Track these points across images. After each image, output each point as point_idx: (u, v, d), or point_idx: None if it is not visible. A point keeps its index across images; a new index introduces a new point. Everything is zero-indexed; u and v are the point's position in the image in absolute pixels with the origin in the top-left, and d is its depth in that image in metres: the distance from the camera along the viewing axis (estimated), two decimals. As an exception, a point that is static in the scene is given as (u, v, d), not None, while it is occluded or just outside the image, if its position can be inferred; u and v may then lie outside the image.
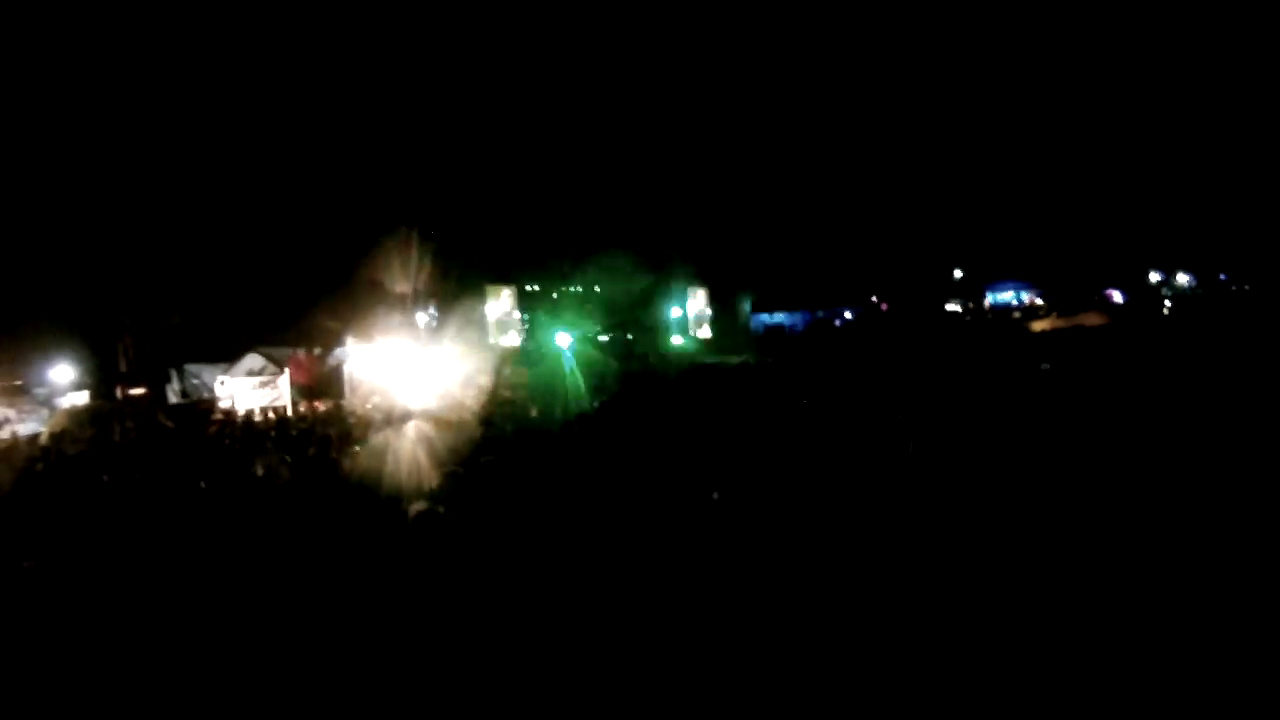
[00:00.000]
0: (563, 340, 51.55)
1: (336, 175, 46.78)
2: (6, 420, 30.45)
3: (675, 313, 64.25)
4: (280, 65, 49.31)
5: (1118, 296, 69.52)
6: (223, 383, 34.53)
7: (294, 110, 48.60)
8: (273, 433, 21.20)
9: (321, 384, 37.92)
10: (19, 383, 35.29)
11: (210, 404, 33.41)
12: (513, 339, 54.34)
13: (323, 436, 19.67)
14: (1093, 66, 72.65)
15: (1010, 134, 72.78)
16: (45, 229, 39.06)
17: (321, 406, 31.02)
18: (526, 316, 57.66)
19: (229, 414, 29.96)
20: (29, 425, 29.81)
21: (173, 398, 37.41)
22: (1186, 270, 72.71)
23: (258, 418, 28.32)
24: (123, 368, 39.41)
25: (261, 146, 46.12)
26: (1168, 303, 65.84)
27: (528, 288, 59.62)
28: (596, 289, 62.37)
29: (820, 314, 72.31)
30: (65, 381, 36.06)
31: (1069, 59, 75.17)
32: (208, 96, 46.00)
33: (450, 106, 56.24)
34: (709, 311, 67.14)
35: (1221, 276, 71.53)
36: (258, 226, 43.30)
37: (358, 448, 16.77)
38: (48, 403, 33.85)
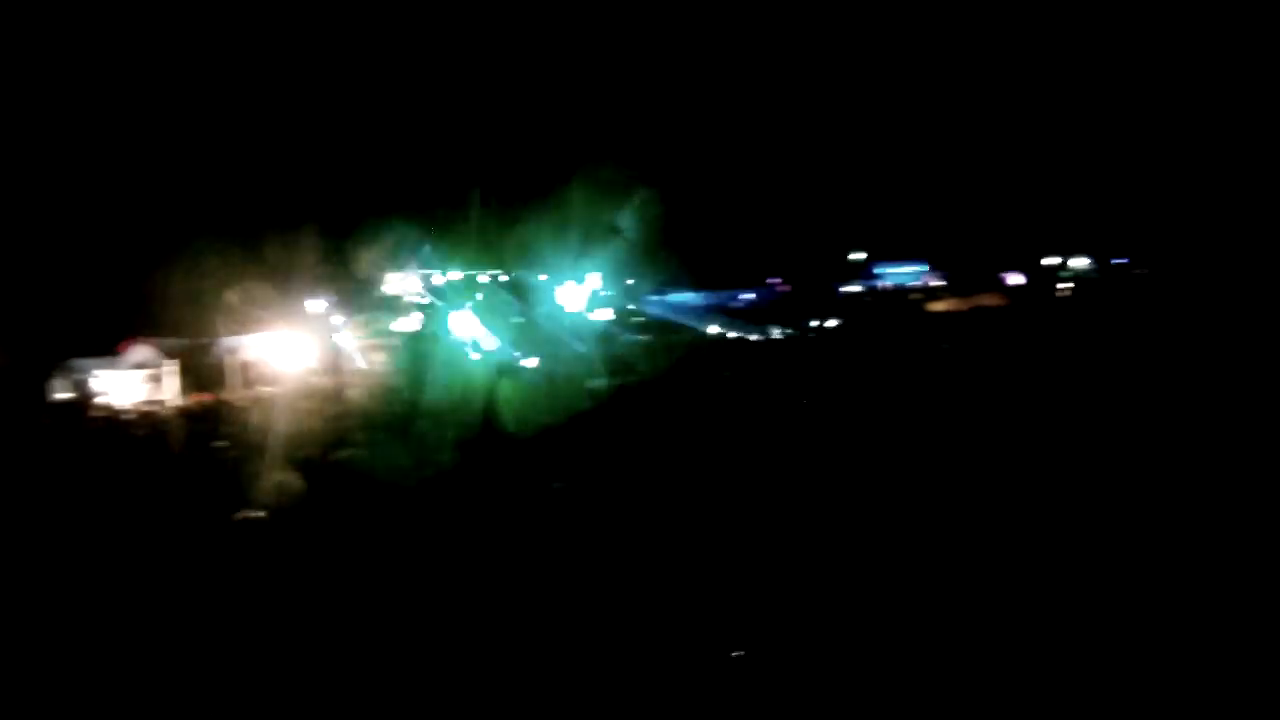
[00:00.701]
0: (462, 326, 50.98)
1: (224, 166, 45.47)
2: None
3: (573, 293, 63.93)
4: (145, 58, 47.69)
5: (1016, 278, 70.17)
6: (98, 376, 33.29)
7: (173, 101, 47.06)
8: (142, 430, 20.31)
9: (207, 374, 37.05)
10: None
11: (88, 399, 32.20)
12: (411, 323, 53.59)
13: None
14: (990, 47, 72.96)
15: (910, 116, 72.91)
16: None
17: (208, 398, 30.02)
18: (427, 299, 56.95)
19: (107, 409, 28.85)
20: None
21: (63, 393, 36.08)
22: (1084, 253, 73.43)
23: (138, 412, 27.22)
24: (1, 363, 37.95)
25: (140, 137, 44.66)
26: (1065, 285, 66.61)
27: (427, 271, 58.89)
28: (499, 267, 61.88)
29: (718, 294, 72.13)
30: None
31: (967, 40, 75.44)
32: (82, 87, 44.31)
33: (335, 95, 54.73)
34: (608, 292, 66.90)
35: (1119, 260, 72.33)
36: (144, 218, 41.95)
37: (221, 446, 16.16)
38: None
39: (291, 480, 8.10)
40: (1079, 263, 73.07)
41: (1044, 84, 70.95)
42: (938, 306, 62.71)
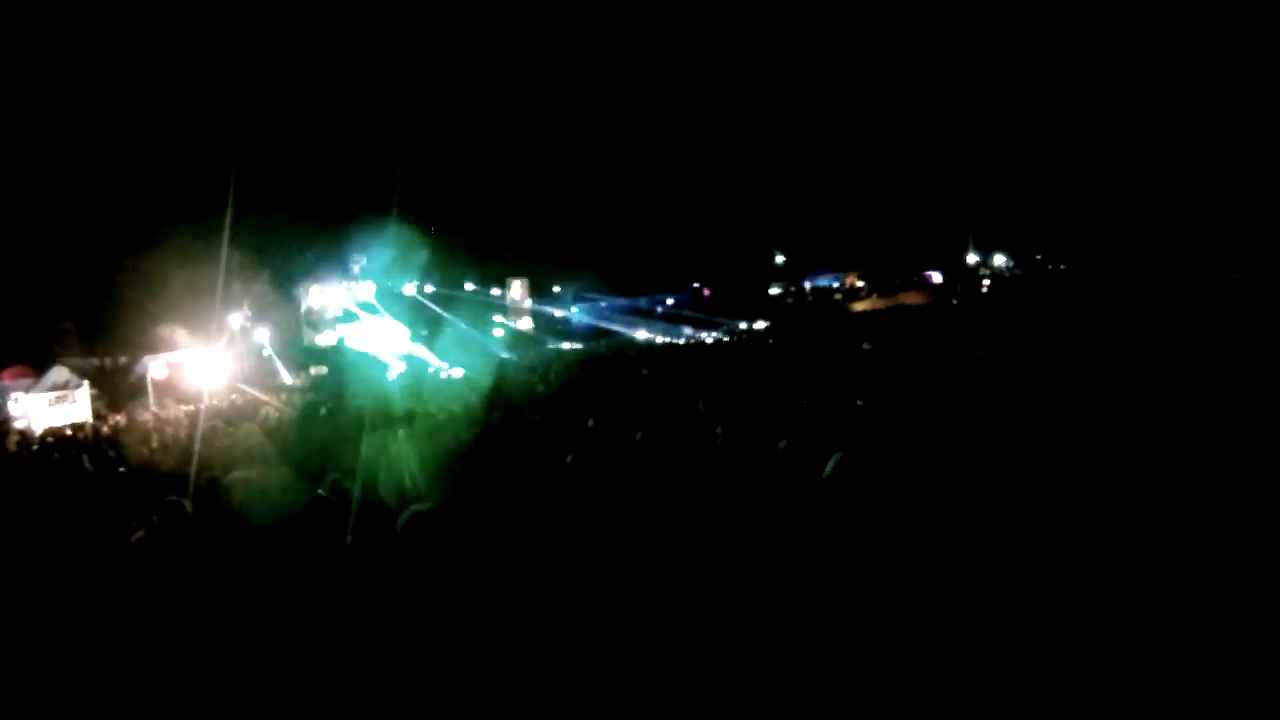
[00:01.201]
0: (387, 339, 50.67)
1: (143, 182, 44.94)
2: None
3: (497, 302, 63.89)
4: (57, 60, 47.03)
5: (937, 277, 70.94)
6: (16, 400, 32.75)
7: (90, 105, 46.44)
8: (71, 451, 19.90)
9: (125, 394, 36.66)
10: None
11: (5, 425, 31.62)
12: (328, 338, 53.22)
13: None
14: (902, 50, 73.63)
15: (829, 120, 73.46)
16: None
17: (123, 419, 29.57)
18: (343, 312, 56.53)
19: (23, 434, 28.32)
20: None
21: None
22: (1003, 251, 74.32)
23: (52, 435, 26.71)
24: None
25: (62, 150, 44.07)
26: (986, 282, 67.42)
27: (344, 283, 58.48)
28: (422, 278, 61.65)
29: (643, 300, 72.25)
30: None
31: (879, 44, 76.13)
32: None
33: (254, 98, 54.18)
34: (529, 301, 66.89)
35: (1038, 257, 73.28)
36: (61, 235, 41.34)
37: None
38: None
39: (187, 498, 7.95)
40: (998, 260, 73.97)
41: (963, 81, 71.72)
42: (861, 306, 63.21)
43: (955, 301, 54.78)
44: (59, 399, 33.12)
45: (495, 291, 64.60)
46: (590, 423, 11.83)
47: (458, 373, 37.99)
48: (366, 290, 59.07)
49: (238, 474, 9.29)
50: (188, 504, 7.48)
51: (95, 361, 39.58)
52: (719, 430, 9.66)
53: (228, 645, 5.01)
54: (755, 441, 8.13)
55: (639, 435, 9.35)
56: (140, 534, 7.31)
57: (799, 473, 6.50)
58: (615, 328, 65.21)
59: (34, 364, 37.30)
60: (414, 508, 5.58)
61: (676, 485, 6.81)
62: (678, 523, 5.94)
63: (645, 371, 23.28)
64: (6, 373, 36.52)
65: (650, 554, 5.53)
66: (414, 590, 4.96)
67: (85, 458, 17.21)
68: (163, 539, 6.91)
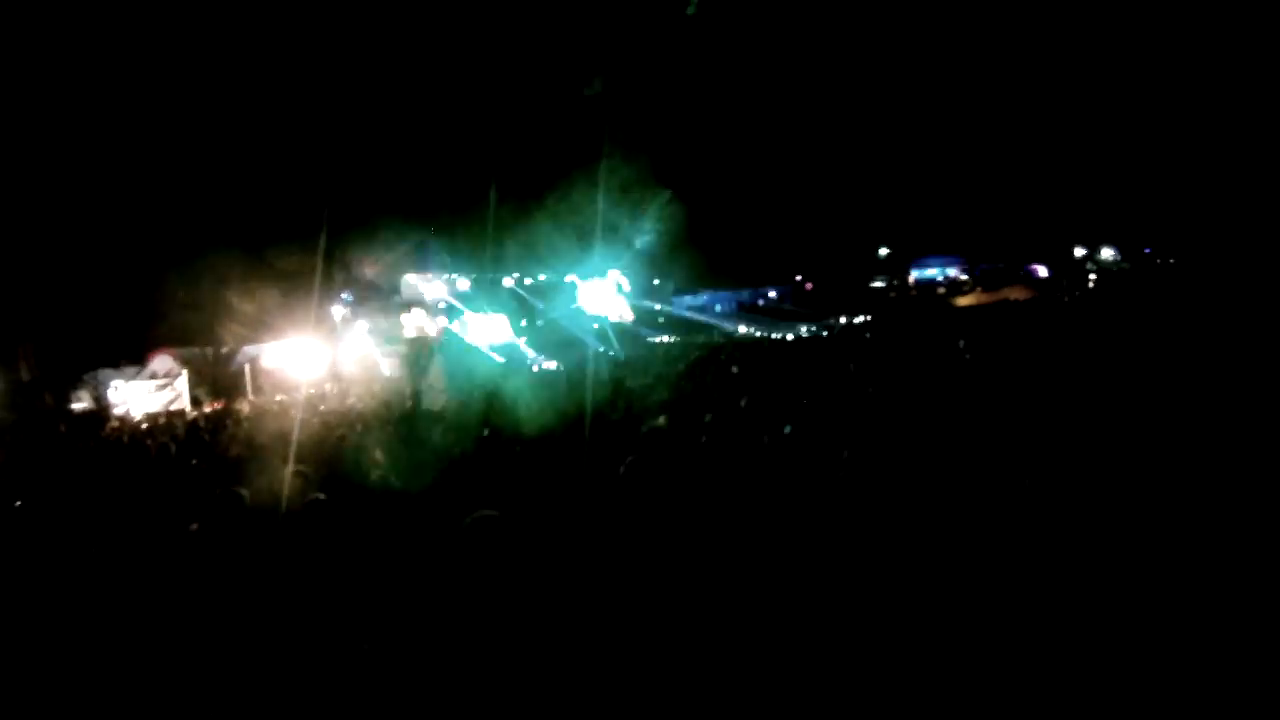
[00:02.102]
0: (488, 331, 50.76)
1: (242, 175, 45.44)
2: None
3: (597, 294, 63.69)
4: (165, 60, 47.61)
5: (1042, 271, 69.60)
6: (116, 388, 33.34)
7: (194, 109, 47.03)
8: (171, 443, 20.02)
9: (224, 383, 37.17)
10: None
11: (105, 411, 32.21)
12: (431, 327, 53.41)
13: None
14: (1012, 43, 72.36)
15: (934, 112, 72.45)
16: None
17: (221, 406, 29.95)
18: (449, 305, 56.74)
19: (122, 420, 28.80)
20: None
21: (83, 405, 36.13)
22: (1111, 244, 72.72)
23: (150, 421, 27.06)
24: (24, 377, 38.15)
25: (162, 147, 44.66)
26: (1093, 277, 65.98)
27: (449, 275, 58.77)
28: (519, 269, 61.79)
29: (744, 294, 71.81)
30: None
31: (987, 35, 74.75)
32: (95, 94, 44.30)
33: (357, 87, 54.49)
34: (630, 293, 66.72)
35: (1146, 250, 71.62)
36: (162, 227, 41.97)
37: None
38: None
39: (283, 485, 7.86)
40: (1106, 254, 72.44)
41: (1071, 74, 70.29)
42: (965, 301, 62.21)
43: (1065, 298, 53.55)
44: (160, 387, 33.68)
45: (594, 283, 64.46)
46: (661, 421, 11.58)
47: (551, 365, 37.96)
48: (465, 282, 59.35)
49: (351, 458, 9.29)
50: (246, 495, 7.39)
51: (198, 351, 40.19)
52: (786, 430, 9.32)
53: (261, 642, 4.92)
54: (817, 449, 7.84)
55: (703, 439, 9.11)
56: (195, 525, 7.26)
57: (855, 485, 6.24)
58: (714, 321, 64.87)
59: (139, 352, 38.06)
60: (480, 513, 5.39)
61: (722, 493, 6.57)
62: (717, 531, 5.72)
63: (735, 369, 22.92)
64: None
65: (689, 562, 5.33)
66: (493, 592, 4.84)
67: (171, 445, 17.40)
68: (214, 531, 6.85)
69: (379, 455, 11.38)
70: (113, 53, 45.04)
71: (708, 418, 11.69)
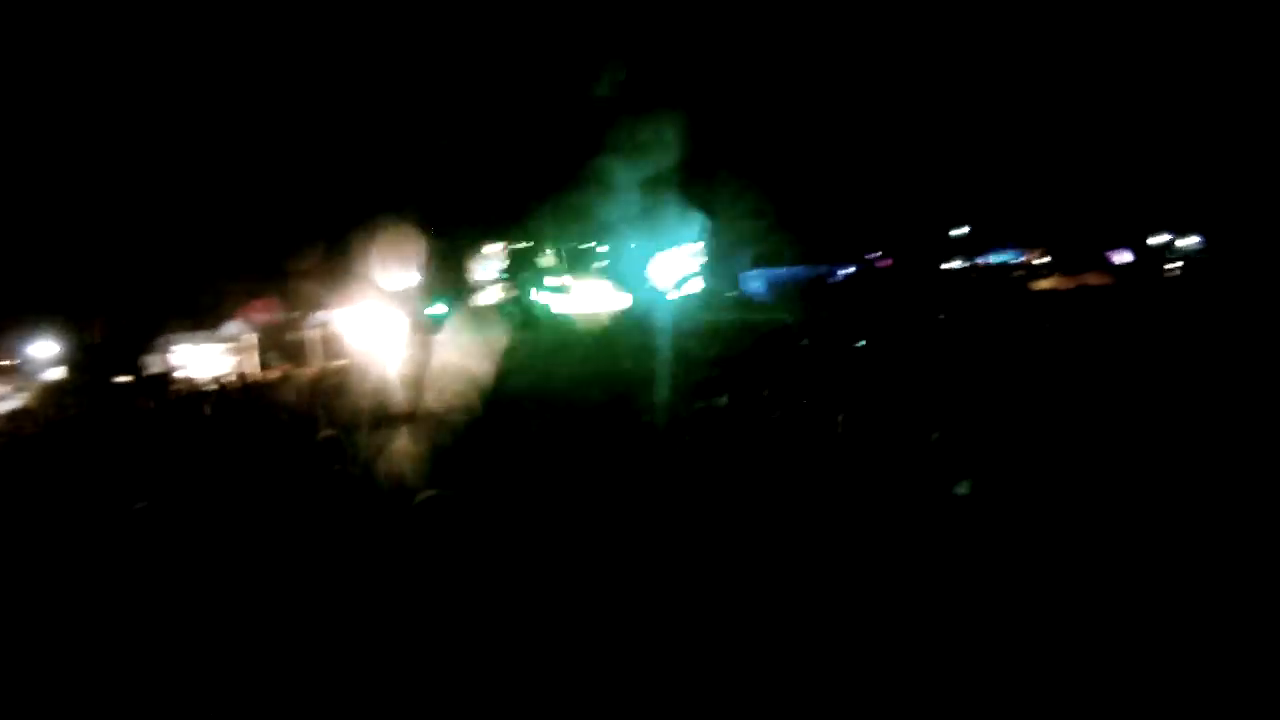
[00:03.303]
0: (553, 299, 50.76)
1: (314, 142, 45.67)
2: None
3: (668, 264, 63.47)
4: (240, 24, 47.91)
5: (1123, 256, 68.39)
6: (181, 350, 33.78)
7: (266, 72, 47.28)
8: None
9: (294, 347, 37.54)
10: (16, 362, 36.23)
11: (174, 373, 32.70)
12: (502, 297, 53.53)
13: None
14: (1100, 23, 71.04)
15: (1014, 90, 71.27)
16: (16, 199, 38.26)
17: (288, 370, 30.24)
18: (516, 273, 56.85)
19: (189, 382, 29.16)
20: (10, 403, 29.26)
21: (154, 369, 36.70)
22: (1193, 232, 71.23)
23: (217, 384, 27.31)
24: (96, 339, 38.88)
25: (239, 113, 45.02)
26: (1173, 264, 64.73)
27: (521, 244, 58.83)
28: (592, 243, 61.69)
29: (817, 269, 71.31)
30: (46, 357, 36.03)
31: (1074, 14, 73.47)
32: (173, 62, 44.70)
33: (428, 58, 54.49)
34: (703, 265, 66.43)
35: (1230, 240, 70.01)
36: (238, 197, 42.37)
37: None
38: (31, 378, 33.81)
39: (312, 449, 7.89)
40: (1188, 241, 71.03)
41: (1153, 54, 68.92)
42: (1042, 285, 61.31)
43: (1145, 286, 52.59)
44: (227, 350, 34.08)
45: (668, 254, 64.24)
46: (723, 400, 11.41)
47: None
48: (535, 252, 59.41)
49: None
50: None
51: (270, 316, 40.62)
52: (840, 418, 9.08)
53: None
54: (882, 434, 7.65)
55: (776, 415, 8.93)
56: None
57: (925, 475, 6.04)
58: (782, 300, 64.45)
59: (207, 319, 38.66)
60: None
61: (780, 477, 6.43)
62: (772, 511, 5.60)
63: (805, 342, 22.75)
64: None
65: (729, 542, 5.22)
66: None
67: (207, 407, 17.67)
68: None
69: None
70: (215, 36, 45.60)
71: (765, 393, 11.55)
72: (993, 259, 74.85)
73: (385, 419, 12.93)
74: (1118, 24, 69.18)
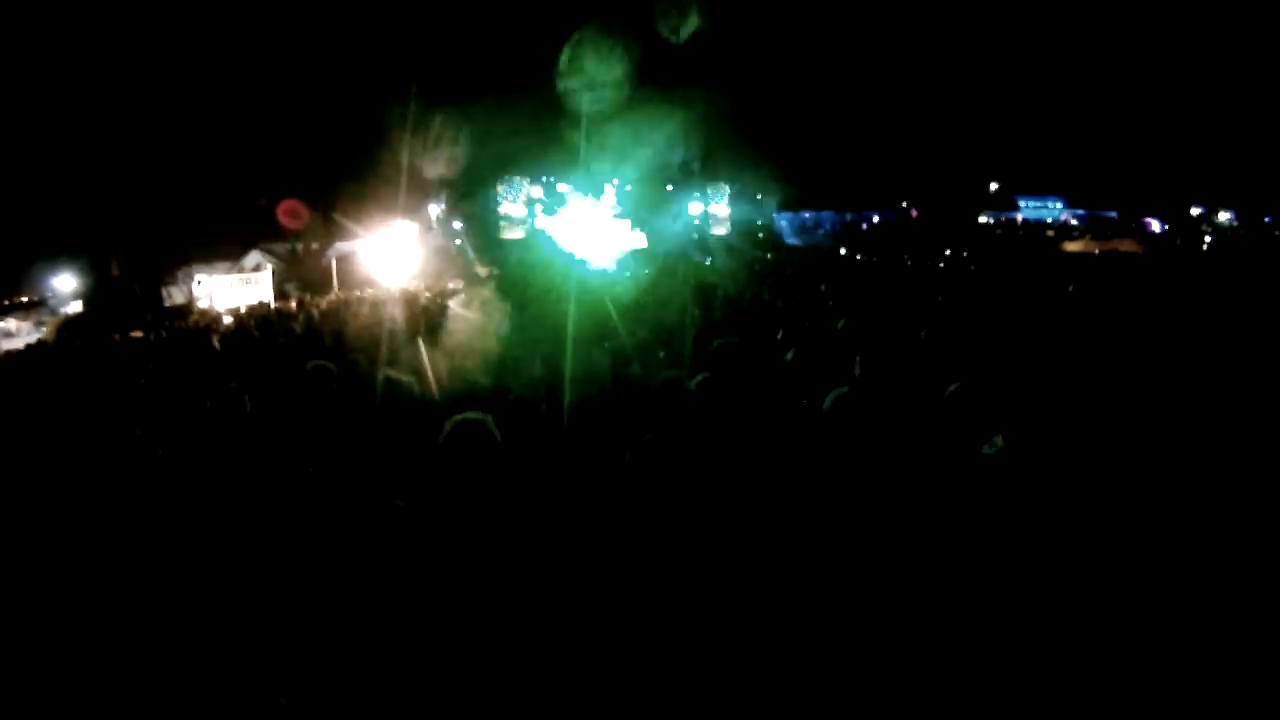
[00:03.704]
0: (574, 237, 50.36)
1: (334, 63, 45.49)
2: (12, 332, 30.52)
3: (697, 208, 62.95)
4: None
5: (1156, 225, 67.91)
6: (199, 282, 33.71)
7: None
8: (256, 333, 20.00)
9: (312, 278, 37.48)
10: (35, 298, 36.26)
11: (191, 305, 32.67)
12: (525, 233, 53.30)
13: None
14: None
15: (1058, 48, 70.37)
16: (31, 132, 38.21)
17: (305, 299, 30.03)
18: (534, 211, 56.59)
19: (206, 312, 29.01)
20: (34, 336, 29.44)
21: (175, 299, 36.71)
22: (1230, 207, 70.63)
23: (233, 313, 27.15)
24: (115, 273, 38.92)
25: (255, 37, 44.86)
26: (1207, 238, 64.12)
27: (543, 179, 58.41)
28: (617, 182, 61.17)
29: (849, 216, 70.89)
30: (68, 291, 36.29)
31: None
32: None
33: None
34: (729, 209, 65.97)
35: (1266, 219, 69.43)
36: (254, 123, 42.24)
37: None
38: (54, 313, 34.06)
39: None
40: (1223, 216, 70.44)
41: (1202, 29, 67.87)
42: (1073, 247, 60.89)
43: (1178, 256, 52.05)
44: (245, 281, 33.99)
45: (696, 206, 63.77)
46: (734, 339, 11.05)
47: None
48: (561, 187, 58.98)
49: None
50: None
51: (288, 246, 40.63)
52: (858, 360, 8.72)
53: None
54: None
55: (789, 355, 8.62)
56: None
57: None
58: (816, 241, 64.26)
59: (230, 249, 38.86)
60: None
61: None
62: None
63: (823, 288, 22.39)
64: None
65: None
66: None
67: (214, 336, 17.51)
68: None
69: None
70: None
71: (780, 334, 11.26)
72: (1024, 215, 74.40)
73: (390, 348, 12.68)
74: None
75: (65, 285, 36.30)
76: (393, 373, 7.90)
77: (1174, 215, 68.53)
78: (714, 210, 64.47)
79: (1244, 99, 63.96)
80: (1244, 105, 63.95)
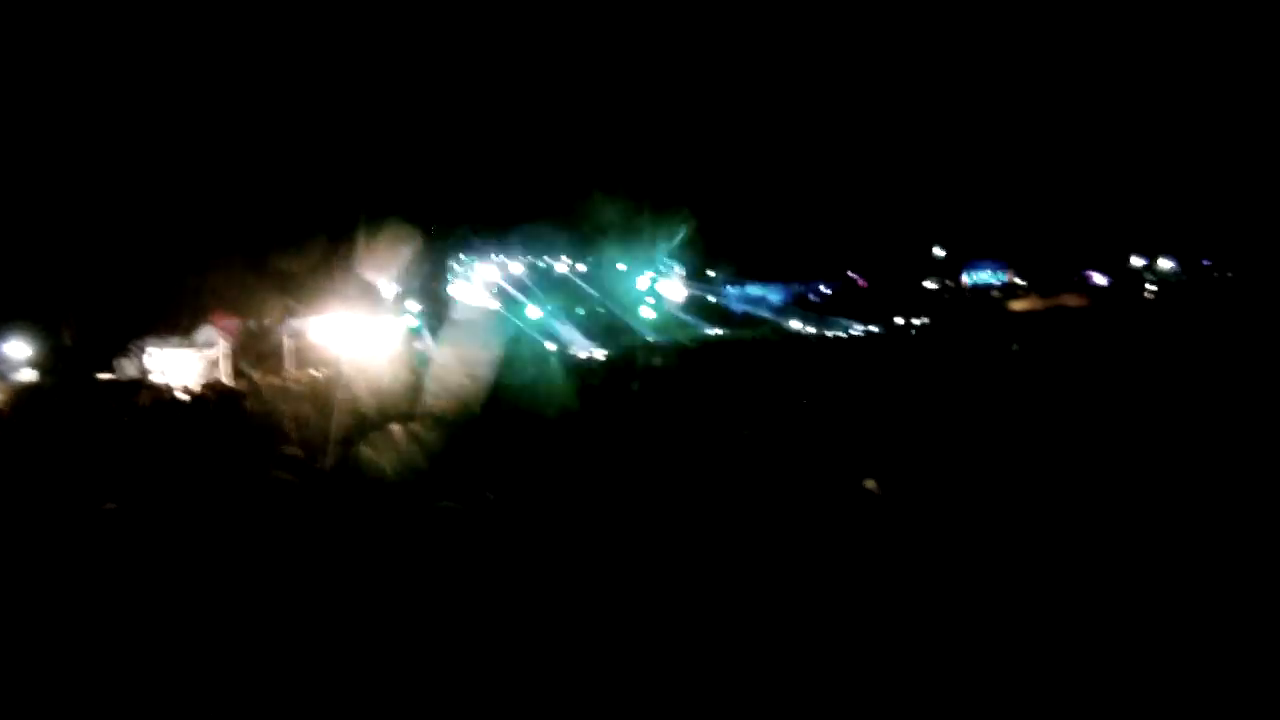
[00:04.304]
0: (532, 313, 50.73)
1: (295, 152, 45.71)
2: None
3: (646, 283, 63.46)
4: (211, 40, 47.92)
5: (1099, 279, 68.82)
6: (151, 355, 33.55)
7: (236, 82, 47.24)
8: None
9: (264, 355, 37.39)
10: None
11: (144, 379, 32.47)
12: (481, 311, 53.50)
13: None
14: (1069, 49, 71.41)
15: (989, 113, 71.57)
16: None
17: (259, 378, 30.05)
18: (498, 288, 56.98)
19: (159, 389, 28.93)
20: None
21: (126, 373, 36.46)
22: (1170, 255, 71.71)
23: (187, 391, 27.12)
24: (67, 343, 38.69)
25: (212, 125, 45.02)
26: (1150, 287, 65.14)
27: (495, 256, 58.86)
28: (568, 259, 61.73)
29: (797, 287, 71.45)
30: (20, 358, 36.02)
31: (1046, 43, 73.85)
32: (143, 72, 44.64)
33: (410, 74, 54.51)
34: (682, 283, 66.59)
35: (1205, 263, 70.56)
36: (214, 203, 42.34)
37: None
38: (4, 378, 33.67)
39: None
40: (1164, 264, 71.50)
41: (1128, 75, 69.31)
42: (1019, 306, 61.69)
43: (1122, 308, 52.92)
44: (204, 358, 33.91)
45: (646, 274, 64.33)
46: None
47: (600, 354, 37.98)
48: (519, 266, 59.43)
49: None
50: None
51: (242, 322, 40.54)
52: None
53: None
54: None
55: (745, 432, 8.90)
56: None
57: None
58: (766, 315, 64.67)
59: (186, 323, 38.59)
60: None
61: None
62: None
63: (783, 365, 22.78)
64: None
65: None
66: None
67: (177, 414, 17.62)
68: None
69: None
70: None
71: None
72: (969, 279, 75.22)
73: (356, 430, 12.85)
74: (1099, 47, 69.63)
75: (14, 351, 36.12)
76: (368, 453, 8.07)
77: (1119, 266, 69.51)
78: (663, 287, 64.97)
79: (1176, 148, 65.17)
80: (1176, 154, 65.15)
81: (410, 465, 9.45)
